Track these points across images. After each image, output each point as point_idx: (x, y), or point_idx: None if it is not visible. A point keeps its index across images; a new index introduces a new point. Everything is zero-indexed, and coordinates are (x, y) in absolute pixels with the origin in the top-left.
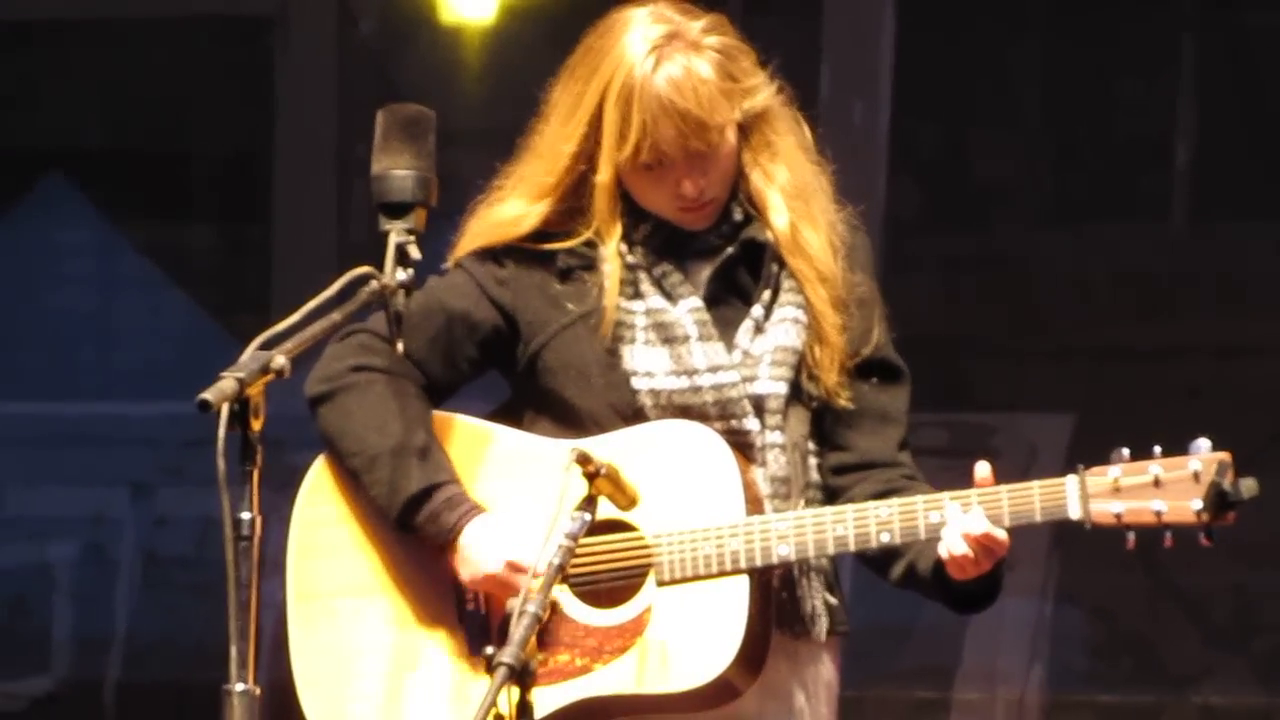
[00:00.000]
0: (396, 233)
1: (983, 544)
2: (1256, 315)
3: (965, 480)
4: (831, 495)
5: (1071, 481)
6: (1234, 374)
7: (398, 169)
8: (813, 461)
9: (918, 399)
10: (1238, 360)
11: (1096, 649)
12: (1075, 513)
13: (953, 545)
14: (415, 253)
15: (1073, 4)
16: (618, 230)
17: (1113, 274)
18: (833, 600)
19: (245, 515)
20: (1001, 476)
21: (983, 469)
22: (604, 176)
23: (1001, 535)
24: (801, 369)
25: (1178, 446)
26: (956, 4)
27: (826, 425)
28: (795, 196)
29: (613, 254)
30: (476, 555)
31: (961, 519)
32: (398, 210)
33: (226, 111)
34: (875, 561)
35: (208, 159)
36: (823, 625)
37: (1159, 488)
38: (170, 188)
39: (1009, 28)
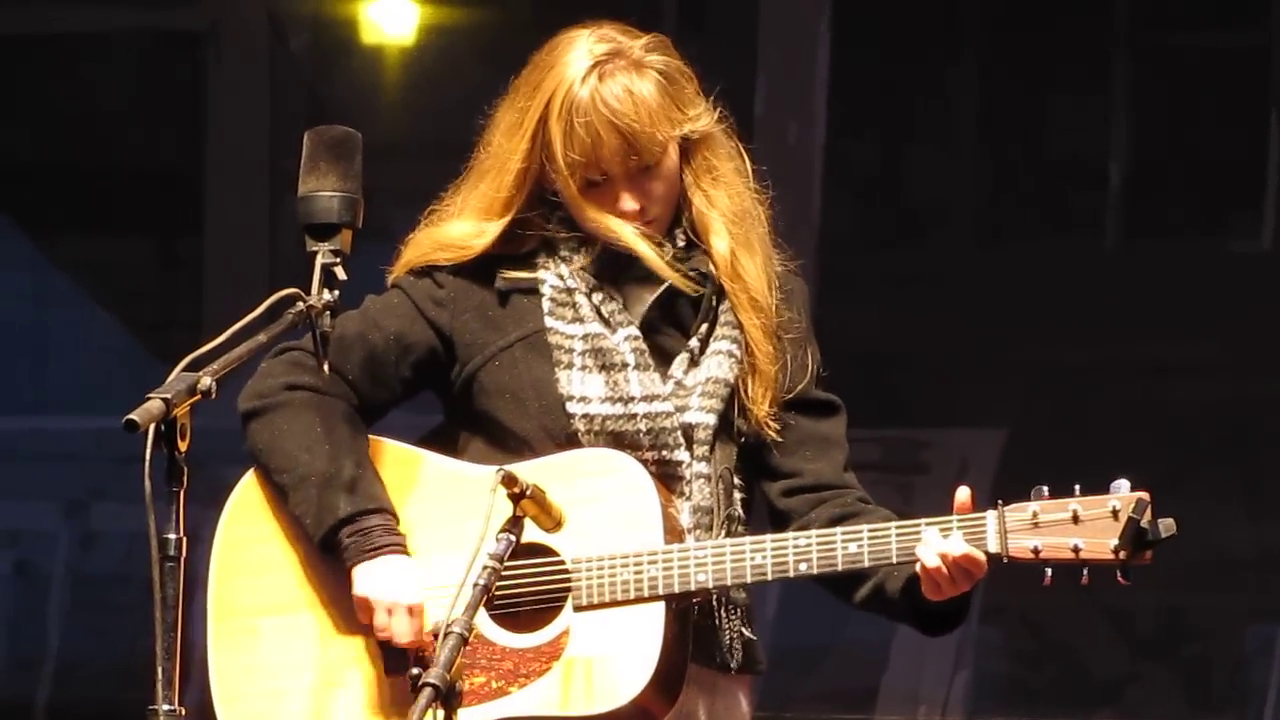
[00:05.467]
0: (323, 254)
1: (962, 566)
2: (1188, 334)
3: (899, 494)
4: (782, 518)
5: (991, 516)
6: (1165, 392)
7: (324, 190)
8: (737, 495)
9: (851, 414)
10: (1169, 378)
11: (1021, 667)
12: (993, 547)
13: (927, 561)
14: (341, 274)
15: (1007, 24)
16: (621, 223)
17: (1046, 292)
18: (750, 635)
19: (171, 535)
20: (933, 490)
21: (963, 493)
22: (570, 189)
23: (980, 557)
24: (733, 403)
25: (1106, 466)
26: (891, 23)
27: (768, 457)
28: (735, 222)
29: (635, 235)
30: (387, 580)
31: (941, 542)
32: (324, 231)
33: (158, 127)
34: (838, 584)
35: (140, 174)
36: (739, 658)
37: (1077, 524)
38: (102, 203)
39: (944, 47)
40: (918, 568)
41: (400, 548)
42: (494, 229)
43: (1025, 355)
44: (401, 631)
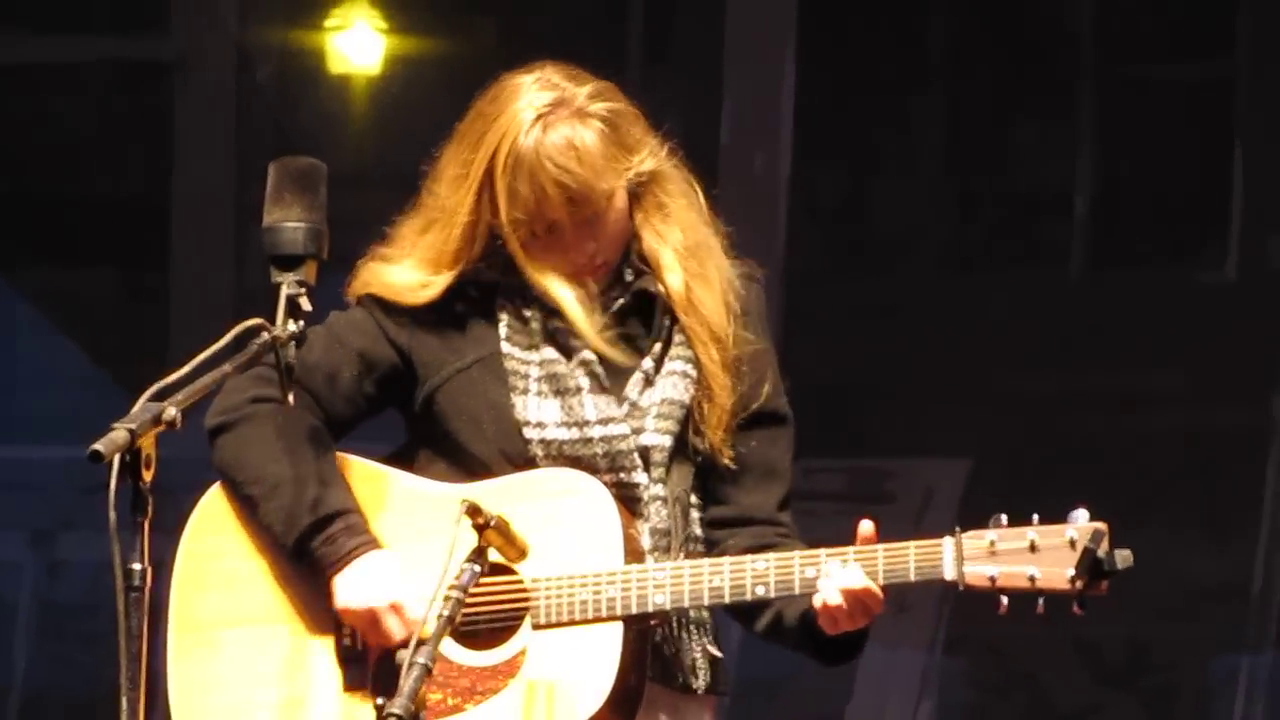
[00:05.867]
0: (288, 285)
1: (860, 599)
2: (1153, 364)
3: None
4: (707, 548)
5: (948, 543)
6: (1130, 422)
7: (289, 221)
8: (695, 515)
9: (817, 445)
10: (1134, 408)
11: (985, 696)
12: (950, 574)
13: (829, 597)
14: (306, 305)
15: (973, 54)
16: (562, 285)
17: (1011, 322)
18: (715, 653)
19: (136, 566)
20: (897, 520)
21: (866, 527)
22: (514, 244)
23: (879, 593)
24: (688, 423)
25: (1071, 495)
26: (857, 54)
27: (711, 479)
28: (688, 255)
29: (574, 300)
30: (363, 585)
31: (840, 573)
32: (289, 262)
33: (125, 157)
34: (742, 613)
35: (106, 204)
36: (704, 678)
37: (1034, 553)
38: (68, 233)
39: (909, 77)
40: (815, 600)
41: (369, 544)
42: (441, 282)
43: (990, 385)
44: (392, 631)
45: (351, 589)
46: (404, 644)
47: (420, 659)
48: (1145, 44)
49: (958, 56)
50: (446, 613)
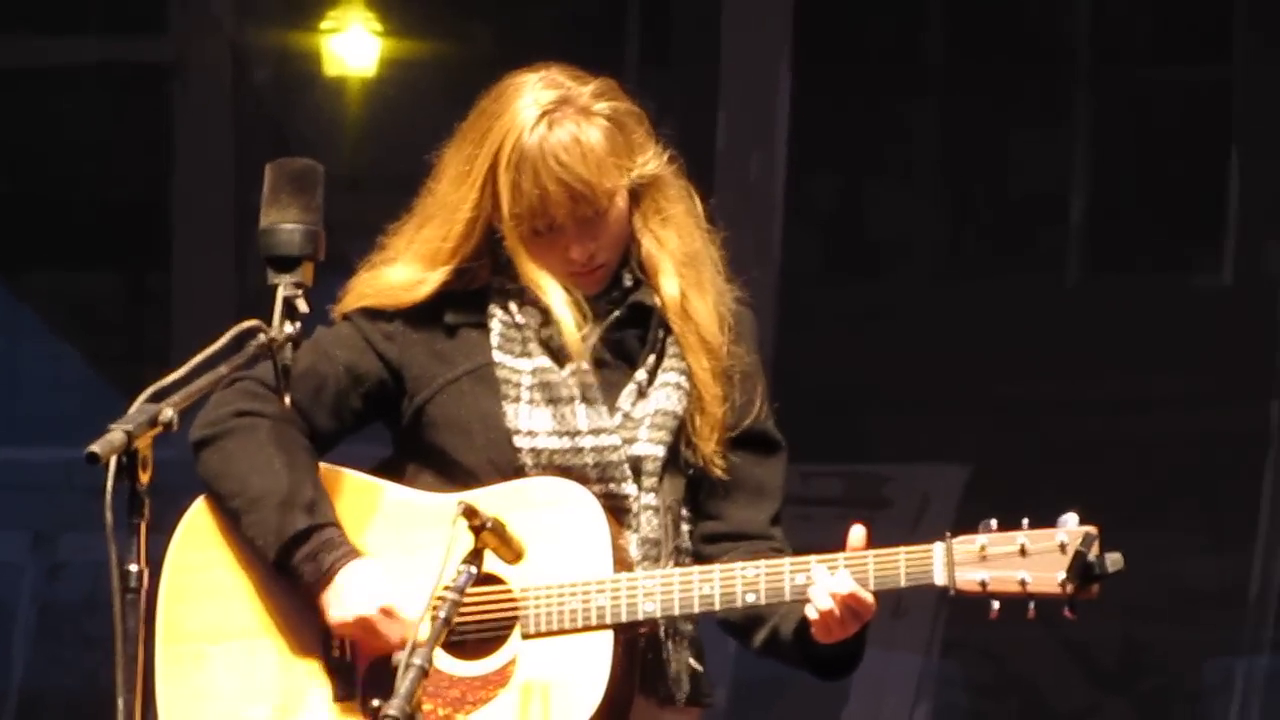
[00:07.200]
0: (284, 286)
1: (849, 605)
2: (1150, 370)
3: None
4: (701, 563)
5: (938, 548)
6: (1127, 428)
7: (286, 223)
8: (685, 527)
9: (813, 450)
10: (1131, 414)
11: (981, 700)
12: (940, 579)
13: (819, 602)
14: (303, 306)
15: (968, 59)
16: (555, 286)
17: (1008, 327)
18: (697, 666)
19: (133, 567)
20: (894, 525)
21: (856, 534)
22: (514, 241)
23: (867, 597)
24: (681, 434)
25: (1068, 501)
26: (853, 57)
27: (702, 494)
28: (686, 264)
29: (564, 303)
30: (350, 596)
31: (828, 579)
32: (286, 264)
33: (125, 160)
34: (739, 629)
35: (106, 207)
36: (685, 689)
37: (1025, 557)
38: (70, 236)
39: (905, 82)
40: (807, 610)
41: (349, 554)
42: (435, 278)
43: (987, 391)
44: (389, 635)
45: (340, 603)
46: (401, 647)
47: (416, 660)
48: (1141, 48)
49: (954, 61)
50: (443, 614)
